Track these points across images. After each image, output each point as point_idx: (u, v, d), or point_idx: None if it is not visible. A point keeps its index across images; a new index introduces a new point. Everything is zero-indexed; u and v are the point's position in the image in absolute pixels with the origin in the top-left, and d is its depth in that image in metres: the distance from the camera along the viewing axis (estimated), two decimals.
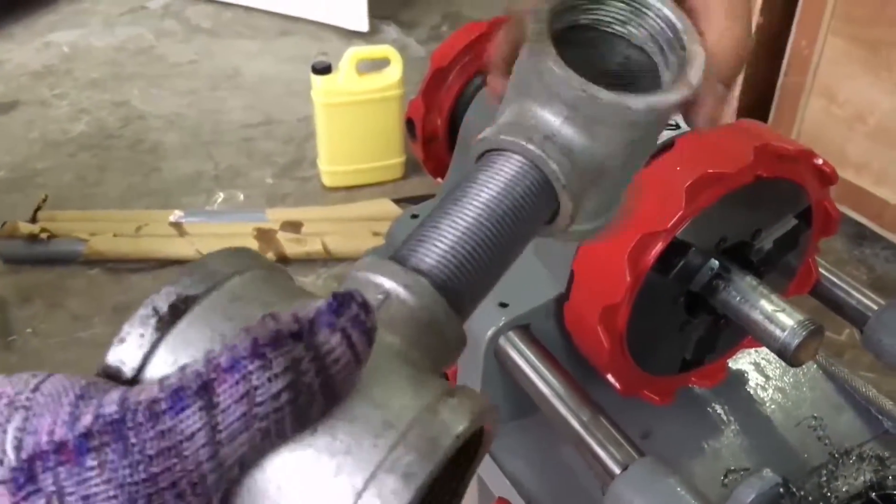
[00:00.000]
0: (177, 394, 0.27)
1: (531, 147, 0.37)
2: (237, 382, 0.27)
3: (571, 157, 0.38)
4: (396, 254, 0.36)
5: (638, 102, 0.37)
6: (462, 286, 0.35)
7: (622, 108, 0.37)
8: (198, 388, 0.27)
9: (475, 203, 0.36)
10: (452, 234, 0.36)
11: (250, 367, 0.27)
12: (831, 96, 1.93)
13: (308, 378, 0.28)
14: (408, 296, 0.33)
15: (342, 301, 0.28)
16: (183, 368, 0.28)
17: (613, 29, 0.42)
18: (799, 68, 1.97)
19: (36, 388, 0.28)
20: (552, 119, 0.38)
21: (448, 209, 0.36)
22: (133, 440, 0.26)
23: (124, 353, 0.30)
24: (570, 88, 0.37)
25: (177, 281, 0.31)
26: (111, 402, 0.27)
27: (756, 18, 1.99)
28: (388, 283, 0.33)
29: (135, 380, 0.30)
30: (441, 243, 0.35)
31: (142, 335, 0.30)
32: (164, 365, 0.30)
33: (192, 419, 0.27)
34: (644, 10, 0.41)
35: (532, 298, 0.75)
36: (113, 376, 0.30)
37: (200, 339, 0.30)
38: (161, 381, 0.28)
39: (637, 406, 0.75)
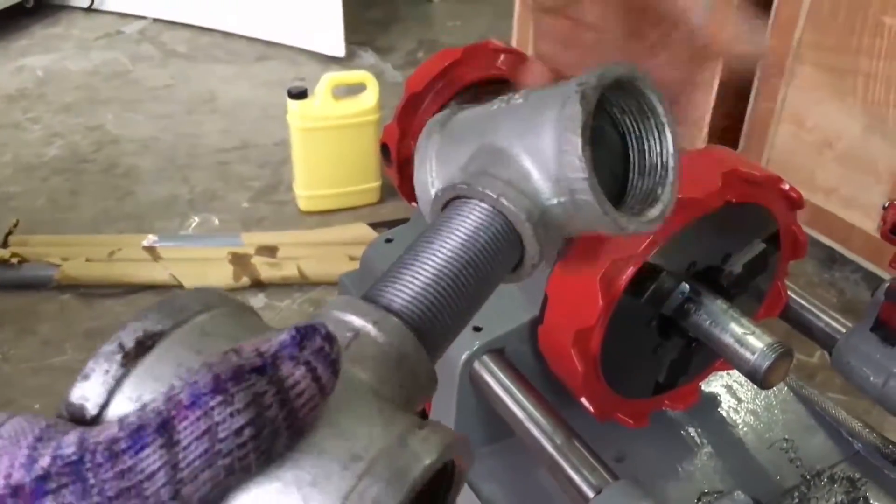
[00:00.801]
0: (136, 432, 0.26)
1: (526, 225, 0.37)
2: (198, 419, 0.26)
3: (549, 226, 0.38)
4: (367, 293, 0.36)
5: (629, 225, 0.38)
6: (432, 326, 0.35)
7: (612, 222, 0.38)
8: (158, 426, 0.26)
9: (448, 245, 0.37)
10: (424, 275, 0.36)
11: (211, 403, 0.26)
12: (800, 122, 1.97)
13: (272, 412, 0.27)
14: (377, 333, 0.33)
15: (305, 333, 0.28)
16: (144, 406, 0.27)
17: (634, 149, 0.42)
18: (768, 95, 2.00)
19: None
20: (551, 199, 0.38)
21: (421, 251, 0.37)
22: (92, 481, 0.26)
23: (88, 390, 0.30)
24: (594, 207, 0.37)
25: (144, 316, 0.31)
26: (69, 444, 0.27)
27: None
28: (357, 321, 0.33)
29: (98, 418, 0.30)
30: (412, 284, 0.36)
31: (106, 371, 0.30)
32: (128, 402, 0.30)
33: (152, 458, 0.26)
34: (661, 142, 0.41)
35: (506, 322, 0.75)
36: (76, 414, 0.30)
37: (167, 374, 0.30)
38: (121, 419, 0.27)
39: (611, 429, 0.75)
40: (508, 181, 0.38)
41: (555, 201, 0.38)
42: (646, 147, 0.41)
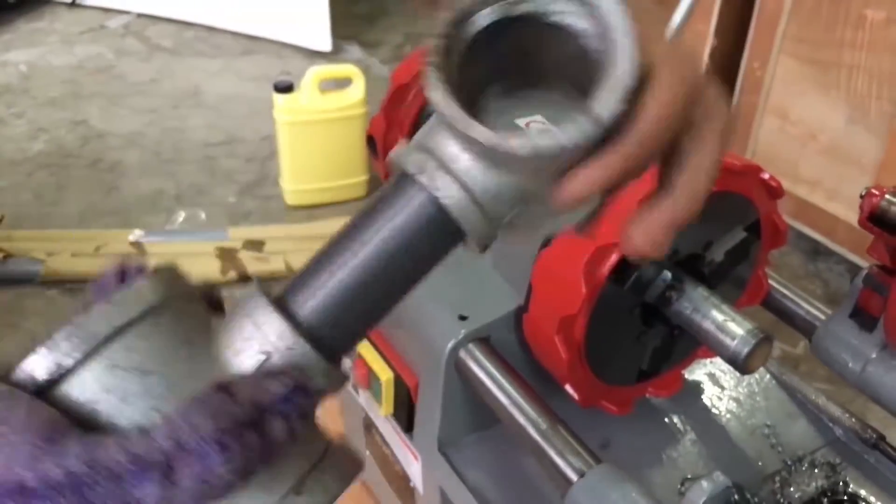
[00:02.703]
0: (141, 466, 0.28)
1: (435, 187, 0.34)
2: (199, 469, 0.29)
3: (477, 189, 0.34)
4: (284, 294, 0.36)
5: (522, 147, 0.31)
6: (341, 335, 0.36)
7: (504, 151, 0.32)
8: (162, 466, 0.29)
9: (373, 244, 0.35)
10: (343, 278, 0.35)
11: (214, 457, 0.29)
12: (784, 115, 1.98)
13: (253, 466, 0.30)
14: (289, 359, 0.34)
15: (295, 389, 0.32)
16: (146, 434, 0.29)
17: (554, 20, 0.34)
18: (752, 88, 2.02)
19: None
20: (455, 150, 0.34)
21: (345, 246, 0.35)
22: (92, 500, 0.28)
23: (36, 366, 0.32)
24: (452, 124, 0.32)
25: (54, 345, 0.32)
26: (74, 455, 0.28)
27: (710, 41, 2.04)
28: (269, 345, 0.34)
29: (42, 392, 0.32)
30: (328, 288, 0.35)
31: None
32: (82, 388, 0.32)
33: (151, 493, 0.28)
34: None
35: (491, 311, 0.76)
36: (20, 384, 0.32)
37: (83, 405, 0.32)
38: (122, 442, 0.29)
39: (596, 417, 0.76)
40: (432, 155, 0.34)
41: (459, 150, 0.33)
42: (595, 29, 0.33)
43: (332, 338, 0.35)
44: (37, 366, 0.32)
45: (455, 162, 0.34)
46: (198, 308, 0.37)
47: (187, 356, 0.34)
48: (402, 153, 0.35)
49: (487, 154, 0.33)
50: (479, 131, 0.32)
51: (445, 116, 0.32)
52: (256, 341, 0.34)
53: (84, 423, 0.31)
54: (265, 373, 0.33)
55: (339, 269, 0.35)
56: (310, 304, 0.35)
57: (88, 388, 0.32)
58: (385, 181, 1.01)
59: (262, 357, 0.34)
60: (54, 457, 0.28)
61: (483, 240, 0.35)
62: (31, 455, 0.28)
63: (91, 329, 0.32)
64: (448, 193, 0.34)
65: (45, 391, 0.32)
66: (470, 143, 0.33)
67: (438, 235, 0.35)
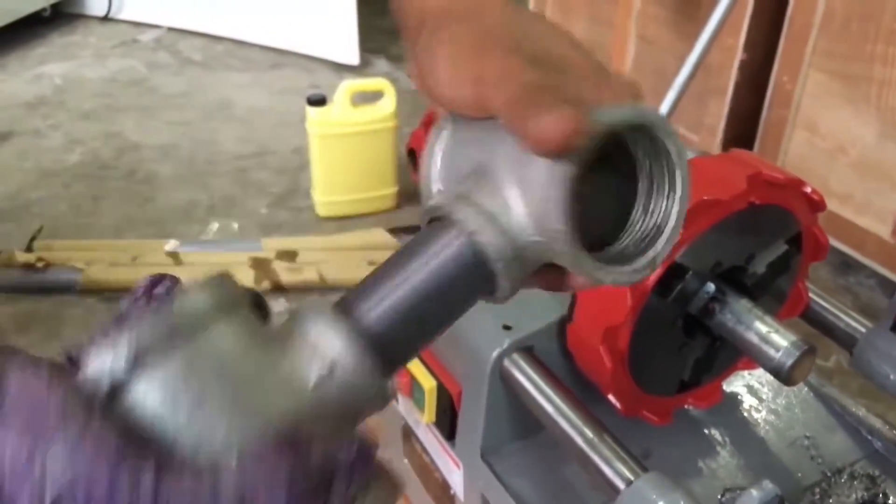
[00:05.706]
0: (214, 494, 0.29)
1: (499, 264, 0.38)
2: None
3: (526, 260, 0.38)
4: (346, 304, 0.37)
5: (606, 277, 0.38)
6: (394, 352, 0.37)
7: (587, 273, 0.38)
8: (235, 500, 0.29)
9: (421, 273, 0.38)
10: (405, 294, 0.37)
11: None
12: (814, 129, 1.98)
13: None
14: (352, 376, 0.34)
15: (365, 455, 0.33)
16: (217, 474, 0.30)
17: (643, 191, 0.41)
18: (782, 102, 2.02)
19: (64, 426, 0.29)
20: (530, 236, 0.38)
21: (403, 278, 0.38)
22: None
23: (98, 371, 0.31)
24: (570, 247, 0.37)
25: (135, 335, 0.31)
26: (148, 477, 0.29)
27: (740, 55, 2.05)
28: (335, 353, 0.34)
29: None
30: (391, 301, 0.37)
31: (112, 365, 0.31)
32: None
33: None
34: (670, 195, 0.40)
35: (535, 321, 0.77)
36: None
37: (150, 410, 0.31)
38: (193, 482, 0.29)
39: (636, 427, 0.77)
40: (490, 214, 0.38)
41: (533, 239, 0.38)
42: (653, 194, 0.40)
43: (391, 352, 0.37)
44: (109, 359, 0.31)
45: (521, 237, 0.38)
46: (253, 314, 0.37)
47: (256, 362, 0.34)
48: (460, 210, 0.38)
49: (557, 247, 0.37)
50: (595, 271, 0.38)
51: (568, 235, 0.36)
52: (319, 354, 0.34)
53: (148, 434, 0.30)
54: (338, 428, 0.33)
55: (399, 287, 0.37)
56: (374, 313, 0.37)
57: (165, 387, 0.31)
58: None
59: (325, 372, 0.34)
60: (131, 473, 0.28)
61: (509, 298, 0.40)
62: (111, 484, 0.28)
63: (171, 322, 0.32)
64: (501, 256, 0.38)
65: (117, 392, 0.31)
66: (549, 234, 0.37)
67: (480, 286, 0.39)
